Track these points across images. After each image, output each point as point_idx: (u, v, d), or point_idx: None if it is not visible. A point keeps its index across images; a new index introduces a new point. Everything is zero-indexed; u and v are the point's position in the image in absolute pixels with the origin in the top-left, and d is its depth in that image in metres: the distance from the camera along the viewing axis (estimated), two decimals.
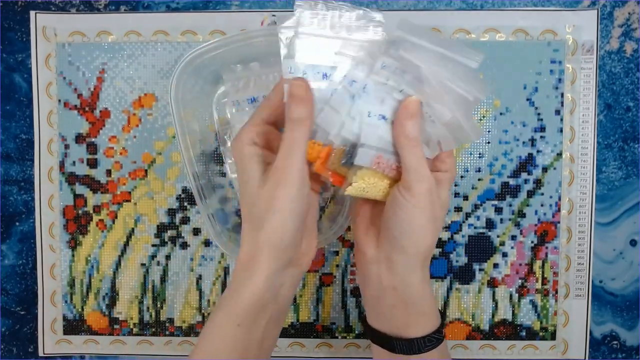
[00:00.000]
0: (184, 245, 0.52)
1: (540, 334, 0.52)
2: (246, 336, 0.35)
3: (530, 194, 0.51)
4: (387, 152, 0.36)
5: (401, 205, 0.35)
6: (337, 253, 0.52)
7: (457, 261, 0.51)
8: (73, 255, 0.52)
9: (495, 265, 0.51)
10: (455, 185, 0.51)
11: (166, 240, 0.52)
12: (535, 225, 0.51)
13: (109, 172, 0.51)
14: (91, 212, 0.51)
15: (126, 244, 0.52)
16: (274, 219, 0.34)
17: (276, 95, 0.36)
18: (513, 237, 0.51)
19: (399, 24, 0.34)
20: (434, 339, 0.37)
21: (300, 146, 0.34)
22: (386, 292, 0.37)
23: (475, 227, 0.51)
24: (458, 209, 0.51)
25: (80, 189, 0.51)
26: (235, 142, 0.37)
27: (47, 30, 0.50)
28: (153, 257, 0.52)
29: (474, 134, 0.35)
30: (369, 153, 0.35)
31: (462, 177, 0.51)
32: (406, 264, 0.36)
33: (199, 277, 0.52)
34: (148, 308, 0.52)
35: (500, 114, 0.50)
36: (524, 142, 0.50)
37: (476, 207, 0.51)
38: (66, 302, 0.52)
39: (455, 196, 0.51)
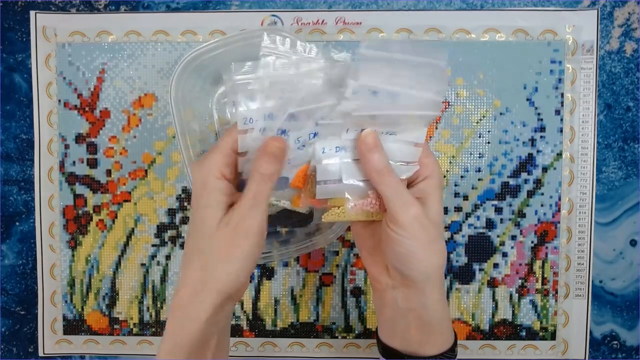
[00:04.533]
0: (184, 246, 0.52)
1: (540, 334, 0.52)
2: None
3: (530, 194, 0.51)
4: (353, 186, 0.36)
5: (394, 239, 0.34)
6: (337, 253, 0.52)
7: (457, 261, 0.51)
8: (73, 255, 0.52)
9: (495, 265, 0.51)
10: (455, 186, 0.51)
11: (166, 240, 0.52)
12: (535, 225, 0.51)
13: (109, 172, 0.51)
14: (91, 212, 0.51)
15: (126, 244, 0.52)
16: (230, 268, 0.33)
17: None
18: (513, 237, 0.51)
19: (354, 57, 0.34)
20: (448, 357, 0.37)
21: (265, 199, 0.34)
22: (403, 314, 0.37)
23: (475, 227, 0.51)
24: (458, 209, 0.51)
25: (80, 189, 0.51)
26: (201, 169, 0.35)
27: (47, 30, 0.50)
28: (153, 257, 0.52)
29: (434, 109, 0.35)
30: (328, 189, 0.35)
31: (462, 177, 0.51)
32: (421, 289, 0.36)
33: None
34: (148, 308, 0.52)
35: (500, 114, 0.50)
36: (524, 142, 0.50)
37: (476, 207, 0.51)
38: (66, 302, 0.52)
39: (455, 196, 0.51)
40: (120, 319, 0.52)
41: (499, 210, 0.51)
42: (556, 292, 0.51)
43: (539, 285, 0.51)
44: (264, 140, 0.35)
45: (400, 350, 0.38)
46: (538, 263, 0.51)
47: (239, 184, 0.37)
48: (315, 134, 0.35)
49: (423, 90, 0.34)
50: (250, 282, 0.52)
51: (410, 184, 0.37)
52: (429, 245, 0.34)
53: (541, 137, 0.50)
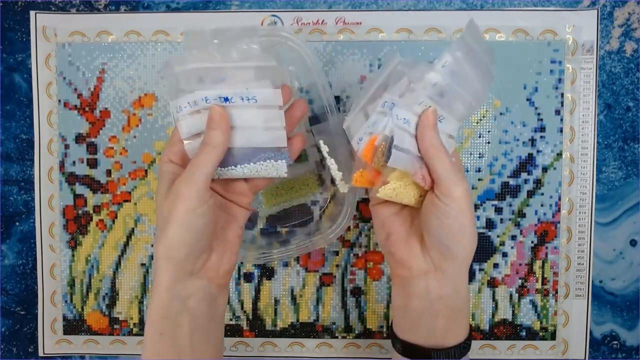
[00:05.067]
0: None
1: (540, 334, 0.52)
2: (172, 344, 0.36)
3: (530, 194, 0.51)
4: (418, 160, 0.37)
5: (446, 213, 0.35)
6: (337, 253, 0.52)
7: None
8: (73, 255, 0.52)
9: (495, 265, 0.51)
10: None
11: None
12: (535, 225, 0.51)
13: (109, 172, 0.51)
14: (91, 212, 0.51)
15: (126, 244, 0.52)
16: (169, 231, 0.35)
17: None
18: (513, 237, 0.51)
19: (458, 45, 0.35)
20: (467, 345, 0.38)
21: (206, 168, 0.35)
22: (433, 303, 0.37)
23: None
24: None
25: (80, 189, 0.51)
26: (159, 159, 0.39)
27: (47, 30, 0.50)
28: (153, 257, 0.52)
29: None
30: (401, 156, 0.36)
31: None
32: (457, 271, 0.37)
33: None
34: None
35: (500, 114, 0.50)
36: (524, 142, 0.50)
37: (476, 207, 0.51)
38: (66, 302, 0.52)
39: None
40: (120, 319, 0.52)
41: (499, 210, 0.51)
42: (556, 292, 0.51)
43: (539, 285, 0.51)
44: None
45: (423, 345, 0.38)
46: (538, 263, 0.51)
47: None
48: (393, 104, 0.36)
49: (480, 83, 0.36)
50: (250, 282, 0.52)
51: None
52: (472, 224, 0.36)
53: (541, 137, 0.50)
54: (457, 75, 0.35)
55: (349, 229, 0.51)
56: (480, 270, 0.51)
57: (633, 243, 0.51)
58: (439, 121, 0.36)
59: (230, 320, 0.52)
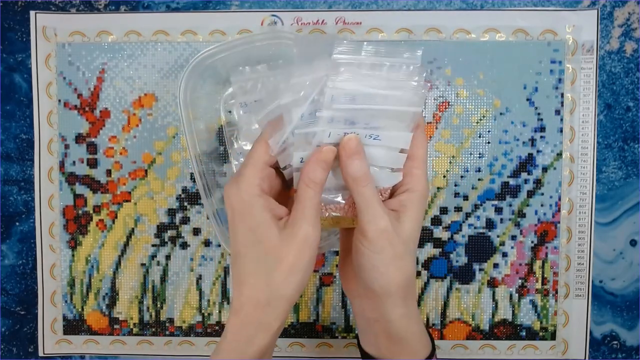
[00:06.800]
0: (184, 245, 0.52)
1: (540, 334, 0.52)
2: None
3: (530, 194, 0.51)
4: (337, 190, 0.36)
5: (360, 251, 0.34)
6: (337, 253, 0.52)
7: (457, 261, 0.51)
8: (73, 255, 0.52)
9: (495, 265, 0.51)
10: (455, 186, 0.51)
11: (166, 240, 0.52)
12: (535, 225, 0.51)
13: (109, 172, 0.51)
14: (91, 212, 0.51)
15: (126, 244, 0.52)
16: (297, 278, 0.34)
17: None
18: (513, 237, 0.51)
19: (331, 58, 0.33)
20: None
21: (319, 207, 0.34)
22: (370, 323, 0.37)
23: (475, 227, 0.51)
24: (458, 209, 0.51)
25: (80, 189, 0.51)
26: (239, 189, 0.34)
27: (47, 30, 0.50)
28: (153, 257, 0.52)
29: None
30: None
31: (462, 177, 0.51)
32: (383, 302, 0.36)
33: (199, 277, 0.52)
34: (148, 308, 0.52)
35: (500, 114, 0.50)
36: (524, 142, 0.50)
37: (476, 207, 0.51)
38: (66, 302, 0.52)
39: (455, 196, 0.51)
40: (120, 319, 0.52)
41: (499, 210, 0.51)
42: (556, 292, 0.51)
43: (539, 285, 0.51)
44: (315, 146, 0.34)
45: (376, 357, 0.38)
46: (538, 263, 0.51)
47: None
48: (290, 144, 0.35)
49: (400, 90, 0.33)
50: None
51: (393, 193, 0.37)
52: (393, 261, 0.34)
53: (541, 137, 0.50)
54: (358, 96, 0.33)
55: None
56: (480, 270, 0.51)
57: (633, 243, 0.51)
58: (373, 139, 0.34)
59: None
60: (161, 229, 0.51)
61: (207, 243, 0.52)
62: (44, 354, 0.53)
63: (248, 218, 0.34)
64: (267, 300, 0.34)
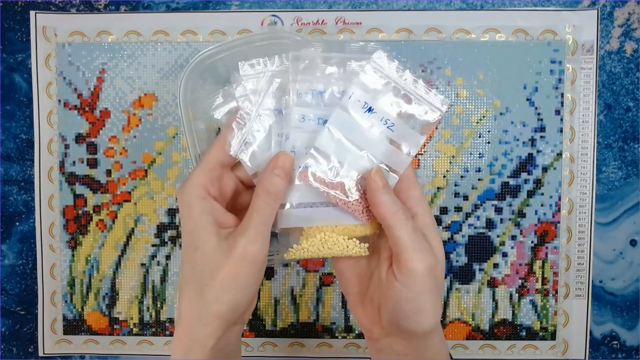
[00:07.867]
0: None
1: (540, 334, 0.52)
2: None
3: (530, 194, 0.51)
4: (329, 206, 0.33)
5: (400, 293, 0.31)
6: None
7: (457, 261, 0.51)
8: (73, 255, 0.52)
9: (495, 265, 0.51)
10: (455, 186, 0.51)
11: (166, 240, 0.52)
12: (535, 225, 0.51)
13: (109, 172, 0.51)
14: (91, 212, 0.51)
15: (126, 244, 0.52)
16: (232, 297, 0.31)
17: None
18: (513, 237, 0.51)
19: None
20: None
21: (271, 221, 0.31)
22: (399, 356, 0.34)
23: (475, 227, 0.51)
24: (458, 209, 0.51)
25: (80, 189, 0.51)
26: (183, 190, 0.32)
27: (47, 30, 0.50)
28: (153, 257, 0.52)
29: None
30: (292, 213, 0.32)
31: (462, 177, 0.51)
32: (423, 340, 0.33)
33: None
34: (148, 308, 0.52)
35: (500, 114, 0.50)
36: (524, 142, 0.50)
37: (476, 207, 0.51)
38: (66, 302, 0.52)
39: (455, 196, 0.51)
40: (120, 319, 0.52)
41: (499, 210, 0.51)
42: (556, 292, 0.51)
43: (539, 285, 0.51)
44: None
45: None
46: (538, 263, 0.51)
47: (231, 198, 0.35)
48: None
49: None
50: None
51: None
52: (437, 297, 0.31)
53: (541, 137, 0.50)
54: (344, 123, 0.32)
55: None
56: (480, 270, 0.51)
57: (633, 243, 0.51)
58: (388, 127, 0.33)
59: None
60: (161, 229, 0.51)
61: None
62: (44, 354, 0.53)
63: (188, 220, 0.32)
64: (199, 316, 0.32)
